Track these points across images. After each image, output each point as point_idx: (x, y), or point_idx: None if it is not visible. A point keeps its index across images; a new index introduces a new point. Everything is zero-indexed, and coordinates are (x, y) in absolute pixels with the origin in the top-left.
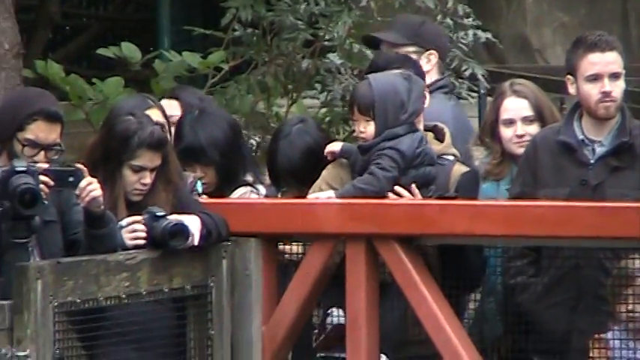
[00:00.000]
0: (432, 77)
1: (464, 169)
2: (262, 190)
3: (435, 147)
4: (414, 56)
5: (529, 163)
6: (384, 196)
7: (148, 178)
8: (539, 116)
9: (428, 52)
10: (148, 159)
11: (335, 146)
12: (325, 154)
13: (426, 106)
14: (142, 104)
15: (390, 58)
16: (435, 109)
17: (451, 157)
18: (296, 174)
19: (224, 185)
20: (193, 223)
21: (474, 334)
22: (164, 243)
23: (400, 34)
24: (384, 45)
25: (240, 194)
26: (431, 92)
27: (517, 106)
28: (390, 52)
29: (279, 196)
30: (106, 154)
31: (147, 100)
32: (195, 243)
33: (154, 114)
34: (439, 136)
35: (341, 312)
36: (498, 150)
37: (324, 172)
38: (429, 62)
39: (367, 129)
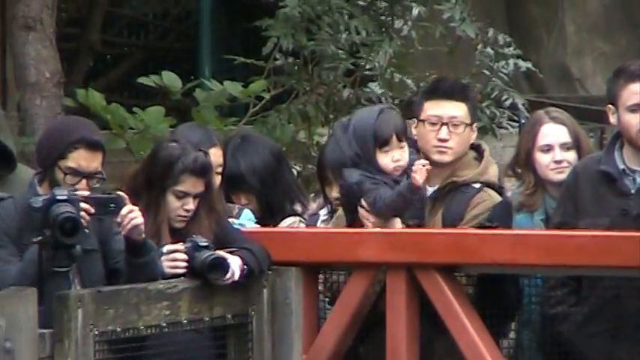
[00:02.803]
0: None
1: (489, 196)
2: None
3: (468, 171)
4: None
5: (570, 193)
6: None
7: (191, 205)
8: (577, 143)
9: None
10: (192, 185)
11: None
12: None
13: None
14: (205, 141)
15: (458, 85)
16: None
17: (477, 185)
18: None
19: (266, 214)
20: (234, 262)
21: None
22: (202, 275)
23: None
24: None
25: (289, 224)
26: None
27: (556, 132)
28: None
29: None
30: (149, 181)
31: (212, 138)
32: (236, 278)
33: (217, 153)
34: (479, 158)
35: None
36: (531, 180)
37: None
38: None
39: (403, 156)
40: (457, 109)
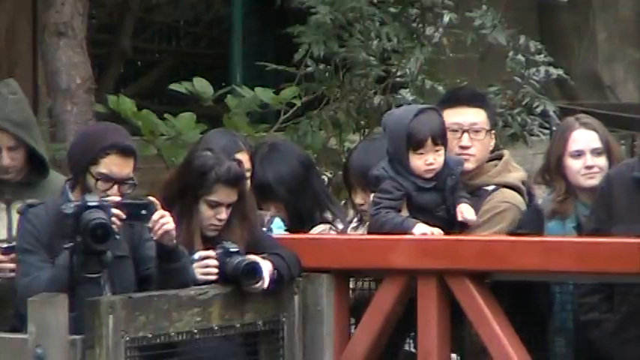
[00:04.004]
0: None
1: (500, 192)
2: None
3: (484, 176)
4: None
5: (603, 200)
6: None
7: (223, 214)
8: (607, 149)
9: None
10: (225, 195)
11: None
12: None
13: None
14: (232, 146)
15: (476, 92)
16: None
17: (490, 187)
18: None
19: (296, 223)
20: (265, 268)
21: None
22: (236, 281)
23: None
24: None
25: (319, 232)
26: None
27: (586, 138)
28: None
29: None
30: (182, 189)
31: (237, 143)
32: (265, 286)
33: (243, 158)
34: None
35: None
36: (562, 187)
37: None
38: None
39: (437, 160)
40: (477, 116)
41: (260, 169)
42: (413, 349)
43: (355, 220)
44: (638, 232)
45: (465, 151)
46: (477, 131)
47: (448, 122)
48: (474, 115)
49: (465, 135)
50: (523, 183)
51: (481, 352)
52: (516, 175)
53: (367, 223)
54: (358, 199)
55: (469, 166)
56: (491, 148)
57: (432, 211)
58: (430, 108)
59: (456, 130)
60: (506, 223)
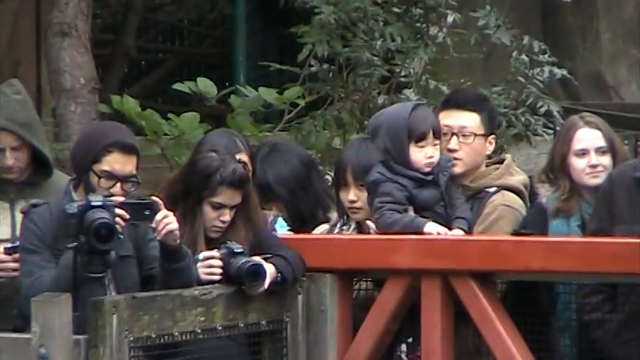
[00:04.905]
0: None
1: (501, 195)
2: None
3: (483, 180)
4: None
5: (605, 199)
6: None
7: (227, 216)
8: (611, 148)
9: None
10: (229, 197)
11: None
12: None
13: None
14: (232, 147)
15: (472, 95)
16: None
17: (492, 189)
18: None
19: (297, 223)
20: (267, 270)
21: None
22: (239, 282)
23: None
24: None
25: (322, 232)
26: None
27: (591, 137)
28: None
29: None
30: (186, 190)
31: (237, 144)
32: (265, 288)
33: (243, 158)
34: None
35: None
36: (567, 185)
37: None
38: None
39: (435, 154)
40: (469, 120)
41: (260, 169)
42: (404, 357)
43: (340, 223)
44: (639, 233)
45: (452, 154)
46: (465, 135)
47: (441, 124)
48: (465, 119)
49: (454, 138)
50: (525, 187)
51: (475, 353)
52: (518, 179)
53: (353, 224)
54: (351, 196)
55: (456, 169)
56: (489, 153)
57: (432, 207)
58: (422, 104)
59: (446, 133)
60: (508, 228)
